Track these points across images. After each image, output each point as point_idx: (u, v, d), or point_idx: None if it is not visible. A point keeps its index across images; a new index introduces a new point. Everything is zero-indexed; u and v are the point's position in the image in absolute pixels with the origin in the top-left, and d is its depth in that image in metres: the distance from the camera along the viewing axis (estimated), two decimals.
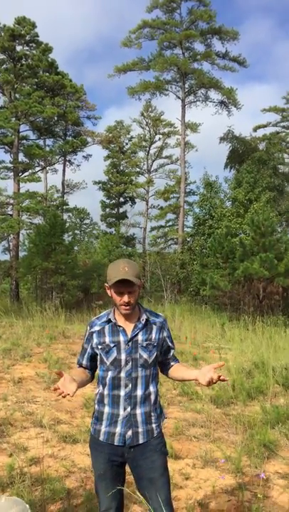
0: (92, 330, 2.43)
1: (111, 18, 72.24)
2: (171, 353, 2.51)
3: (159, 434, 2.38)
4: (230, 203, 26.75)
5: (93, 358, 2.46)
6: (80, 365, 2.52)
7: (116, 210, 35.92)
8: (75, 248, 25.11)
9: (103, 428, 2.35)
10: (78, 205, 44.66)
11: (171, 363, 2.52)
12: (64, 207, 31.50)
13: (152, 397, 2.36)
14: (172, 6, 28.38)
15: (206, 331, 12.65)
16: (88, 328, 2.46)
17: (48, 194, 30.78)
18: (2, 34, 24.28)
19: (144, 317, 2.37)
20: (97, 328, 2.42)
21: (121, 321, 2.38)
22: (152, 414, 2.36)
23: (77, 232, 45.51)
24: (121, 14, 70.13)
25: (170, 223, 34.22)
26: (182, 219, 28.87)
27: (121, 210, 35.96)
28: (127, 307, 2.31)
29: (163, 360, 2.50)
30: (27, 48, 25.48)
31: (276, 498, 3.61)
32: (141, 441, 2.31)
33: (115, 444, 2.31)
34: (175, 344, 2.59)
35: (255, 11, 70.28)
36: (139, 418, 2.31)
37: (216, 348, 9.98)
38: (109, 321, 2.40)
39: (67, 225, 21.84)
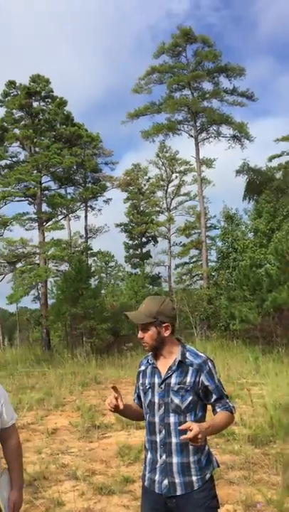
0: (140, 369, 2.41)
1: (117, 72, 75.69)
2: (213, 399, 2.23)
3: (202, 487, 2.17)
4: (252, 234, 26.67)
5: (140, 396, 2.40)
6: None
7: (139, 250, 36.25)
8: (102, 292, 25.24)
9: (147, 474, 2.28)
10: (102, 249, 44.87)
11: (217, 409, 2.26)
12: (88, 251, 32.00)
13: (191, 446, 2.13)
14: (178, 49, 29.44)
15: (239, 367, 12.36)
16: (138, 367, 2.45)
17: (72, 240, 31.43)
18: (19, 93, 25.59)
19: (178, 358, 2.22)
20: (142, 367, 2.39)
21: (158, 362, 2.29)
22: (192, 465, 2.17)
23: (103, 275, 45.75)
24: (125, 69, 73.41)
25: (194, 259, 34.20)
26: (205, 254, 28.84)
27: (144, 250, 36.31)
28: (144, 344, 2.28)
29: (209, 404, 2.28)
30: (43, 104, 26.74)
31: None
32: (179, 492, 2.15)
33: (156, 491, 2.20)
34: None
35: (254, 51, 72.27)
36: (174, 468, 2.15)
37: (251, 384, 9.73)
38: (149, 361, 2.37)
39: (93, 269, 22.06)
